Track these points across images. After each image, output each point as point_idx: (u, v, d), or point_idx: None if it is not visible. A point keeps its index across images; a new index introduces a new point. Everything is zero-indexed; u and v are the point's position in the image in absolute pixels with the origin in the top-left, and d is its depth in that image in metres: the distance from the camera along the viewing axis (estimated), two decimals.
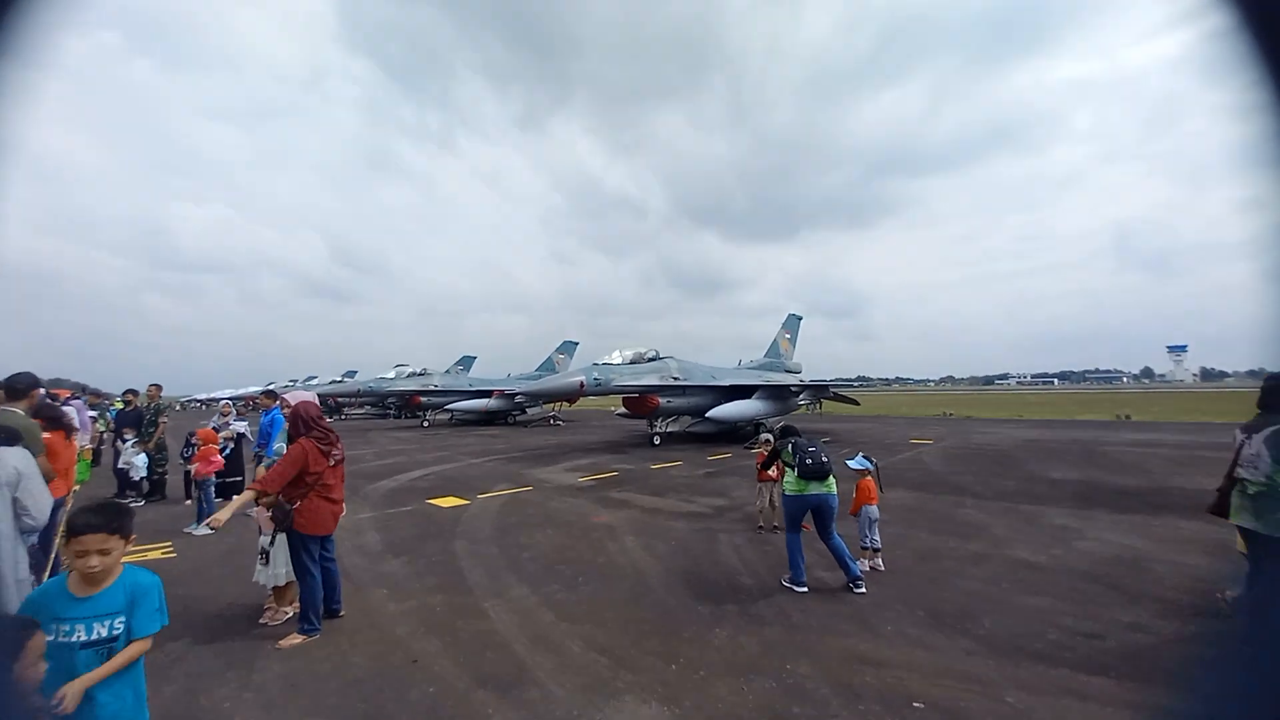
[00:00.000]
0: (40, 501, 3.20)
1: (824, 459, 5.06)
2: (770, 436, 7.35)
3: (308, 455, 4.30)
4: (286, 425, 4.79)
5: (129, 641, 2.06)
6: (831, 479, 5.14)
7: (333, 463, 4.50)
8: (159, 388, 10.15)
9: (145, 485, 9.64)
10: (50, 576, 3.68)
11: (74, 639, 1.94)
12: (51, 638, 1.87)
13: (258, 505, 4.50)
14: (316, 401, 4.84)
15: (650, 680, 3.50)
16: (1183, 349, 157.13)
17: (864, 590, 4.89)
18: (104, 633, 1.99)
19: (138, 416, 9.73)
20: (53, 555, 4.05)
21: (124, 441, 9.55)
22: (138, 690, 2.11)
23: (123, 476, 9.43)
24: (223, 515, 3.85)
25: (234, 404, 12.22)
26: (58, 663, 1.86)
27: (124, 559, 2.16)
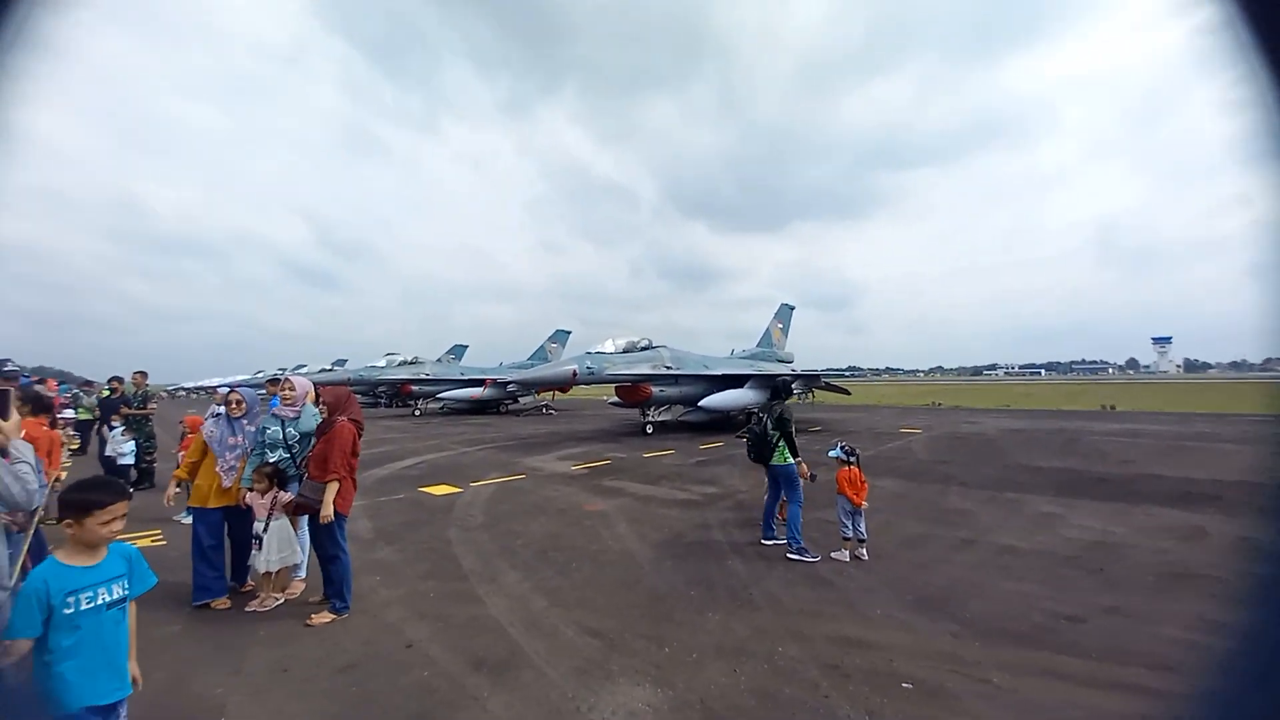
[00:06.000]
0: (11, 483, 3.12)
1: (762, 450, 5.85)
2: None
3: (354, 437, 4.43)
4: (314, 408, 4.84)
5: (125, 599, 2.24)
6: (778, 454, 5.80)
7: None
8: (144, 375, 10.04)
9: (133, 473, 9.54)
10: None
11: (99, 601, 2.09)
12: (71, 610, 2.01)
13: (264, 493, 4.51)
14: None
15: (643, 663, 3.54)
16: (1167, 340, 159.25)
17: (794, 559, 5.42)
18: (120, 593, 2.19)
19: (124, 403, 9.62)
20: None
21: (110, 429, 9.43)
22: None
23: (109, 464, 9.30)
24: (326, 510, 4.11)
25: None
26: (91, 624, 2.06)
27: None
